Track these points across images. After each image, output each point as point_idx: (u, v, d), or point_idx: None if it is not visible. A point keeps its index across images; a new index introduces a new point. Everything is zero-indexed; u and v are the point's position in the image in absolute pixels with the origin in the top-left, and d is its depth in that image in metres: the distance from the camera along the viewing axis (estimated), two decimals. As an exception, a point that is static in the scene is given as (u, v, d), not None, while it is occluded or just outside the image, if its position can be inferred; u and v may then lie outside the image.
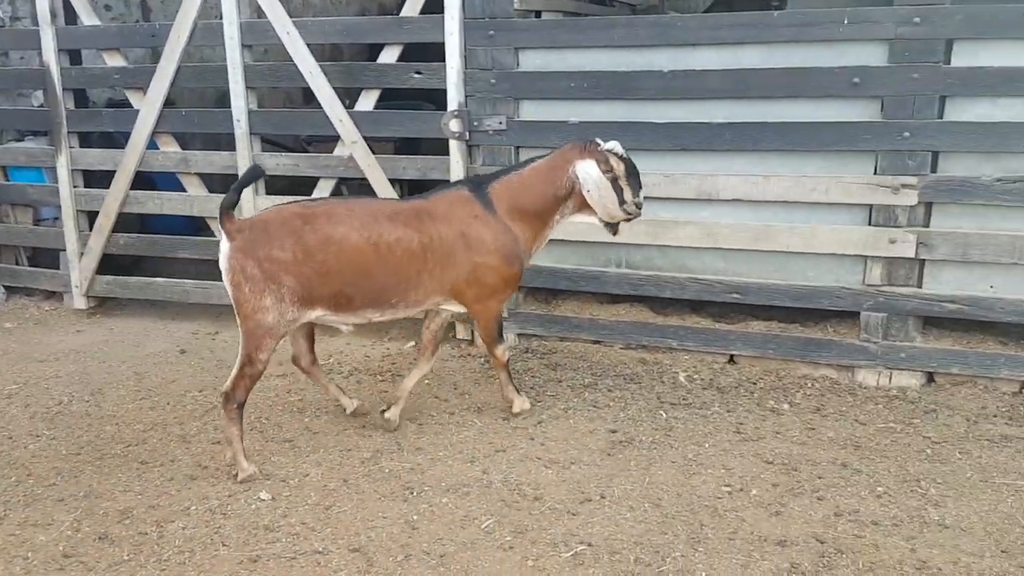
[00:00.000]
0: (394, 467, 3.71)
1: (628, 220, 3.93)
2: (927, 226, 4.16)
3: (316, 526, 3.30)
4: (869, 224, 4.23)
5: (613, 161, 3.79)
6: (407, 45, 4.90)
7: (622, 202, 3.81)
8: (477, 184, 3.93)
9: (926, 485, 3.46)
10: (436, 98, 5.04)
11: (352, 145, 4.99)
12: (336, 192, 5.26)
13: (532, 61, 4.67)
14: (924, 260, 4.19)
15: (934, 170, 4.10)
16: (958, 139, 4.00)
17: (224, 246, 3.62)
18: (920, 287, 4.23)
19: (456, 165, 4.80)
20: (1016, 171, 3.97)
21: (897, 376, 4.33)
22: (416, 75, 4.84)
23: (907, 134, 4.05)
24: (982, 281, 4.16)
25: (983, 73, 3.93)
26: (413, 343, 5.19)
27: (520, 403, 4.15)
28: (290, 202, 3.85)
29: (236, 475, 3.66)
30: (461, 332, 5.12)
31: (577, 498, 3.43)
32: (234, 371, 3.68)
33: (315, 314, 3.72)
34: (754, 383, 4.43)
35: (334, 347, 5.19)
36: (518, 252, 3.90)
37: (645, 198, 3.86)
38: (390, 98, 9.50)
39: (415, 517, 3.33)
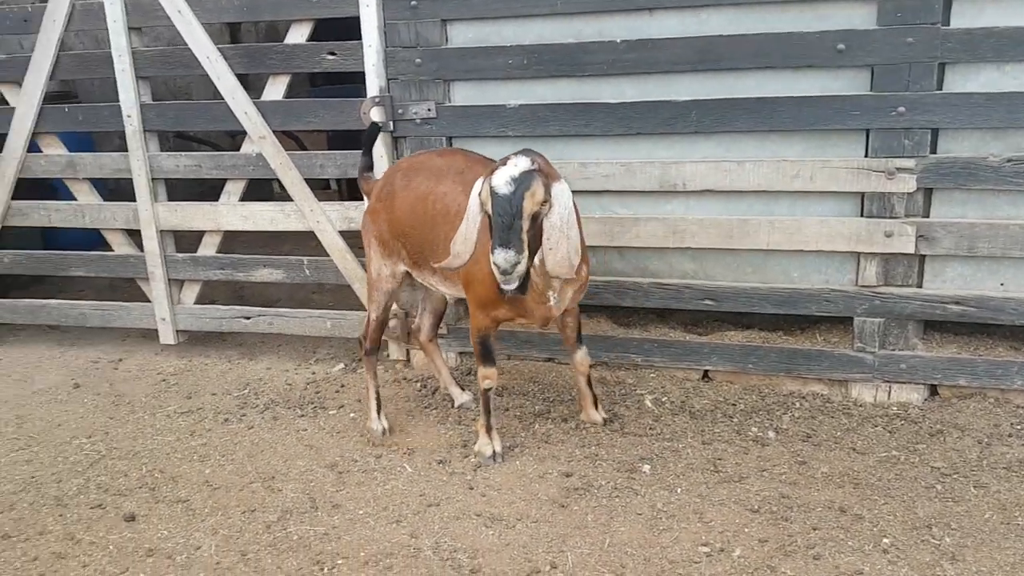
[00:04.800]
0: (304, 533, 3.07)
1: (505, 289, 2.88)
2: (927, 216, 3.55)
3: (201, 621, 2.66)
4: (861, 215, 3.62)
5: (485, 190, 2.88)
6: (320, 22, 4.21)
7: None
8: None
9: (939, 532, 2.87)
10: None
11: (261, 141, 4.29)
12: (254, 194, 4.58)
13: (463, 35, 3.99)
14: (925, 256, 3.58)
15: (934, 151, 3.48)
16: (961, 113, 3.38)
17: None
18: (921, 287, 3.63)
19: (380, 160, 4.11)
20: (1030, 149, 3.38)
21: (897, 391, 3.73)
22: (329, 56, 4.13)
23: (902, 109, 3.43)
24: (991, 278, 3.56)
25: (988, 35, 3.31)
26: (342, 366, 4.53)
27: (481, 444, 3.48)
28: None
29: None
30: (394, 352, 4.47)
31: (522, 569, 2.80)
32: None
33: (400, 267, 3.64)
34: (733, 405, 3.81)
35: (252, 373, 4.52)
36: None
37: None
38: (330, 83, 8.77)
39: (323, 604, 2.70)
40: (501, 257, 2.78)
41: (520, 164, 2.84)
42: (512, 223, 2.79)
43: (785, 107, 3.59)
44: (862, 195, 3.59)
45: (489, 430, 3.48)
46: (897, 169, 3.48)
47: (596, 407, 3.70)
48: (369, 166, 3.87)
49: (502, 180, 2.82)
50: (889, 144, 3.49)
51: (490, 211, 2.86)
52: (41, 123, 4.60)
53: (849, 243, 3.63)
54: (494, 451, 3.47)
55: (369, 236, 3.66)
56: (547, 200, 2.86)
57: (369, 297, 3.78)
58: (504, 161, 2.88)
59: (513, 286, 2.85)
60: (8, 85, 4.67)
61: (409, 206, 3.47)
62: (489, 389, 3.41)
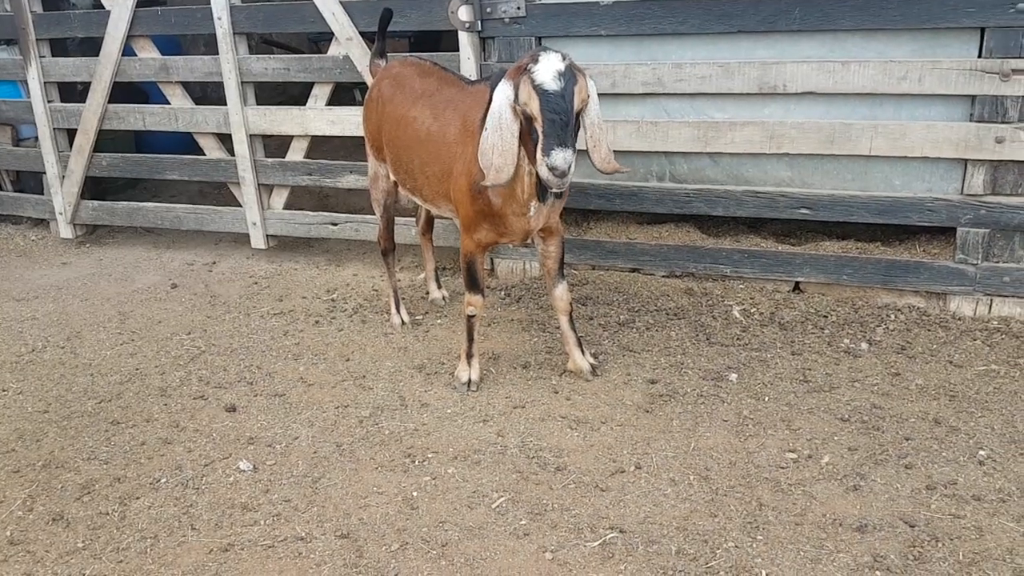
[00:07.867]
0: (395, 428, 3.17)
1: (555, 192, 2.83)
2: (1046, 121, 3.36)
3: (300, 505, 2.79)
4: (971, 120, 3.43)
5: (524, 91, 2.64)
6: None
7: (532, 156, 2.69)
8: (497, 83, 2.90)
9: (1041, 448, 2.80)
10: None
11: (347, 43, 4.27)
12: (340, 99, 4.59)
13: (554, -70, 3.86)
14: (1040, 164, 3.40)
15: (1058, 50, 3.26)
16: (1095, 7, 3.15)
17: None
18: (1034, 197, 3.46)
19: (467, 62, 4.06)
20: None
21: (999, 304, 3.60)
22: (416, -46, 4.06)
23: (1022, 5, 3.19)
24: (1114, 188, 3.37)
25: None
26: (424, 275, 4.58)
27: (459, 370, 3.41)
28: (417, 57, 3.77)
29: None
30: (480, 259, 4.49)
31: (607, 468, 2.85)
32: None
33: (386, 167, 3.65)
34: (824, 317, 3.74)
35: (339, 279, 4.62)
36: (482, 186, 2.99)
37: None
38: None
39: (415, 493, 2.80)
40: (560, 158, 2.57)
41: (555, 59, 2.64)
42: (568, 121, 2.61)
43: (894, 3, 3.39)
44: (973, 98, 3.41)
45: (470, 357, 3.38)
46: (1013, 71, 3.28)
47: (582, 351, 3.40)
48: (381, 52, 3.83)
49: (549, 76, 2.59)
50: (1006, 44, 3.28)
51: (535, 112, 2.62)
52: (135, 26, 4.68)
53: (956, 149, 3.46)
54: (470, 378, 3.37)
55: (364, 131, 3.75)
56: (587, 96, 2.74)
57: (372, 197, 3.87)
58: (534, 59, 2.64)
59: (564, 189, 2.73)
60: (103, -12, 4.75)
61: (388, 121, 3.47)
62: (472, 316, 3.32)
